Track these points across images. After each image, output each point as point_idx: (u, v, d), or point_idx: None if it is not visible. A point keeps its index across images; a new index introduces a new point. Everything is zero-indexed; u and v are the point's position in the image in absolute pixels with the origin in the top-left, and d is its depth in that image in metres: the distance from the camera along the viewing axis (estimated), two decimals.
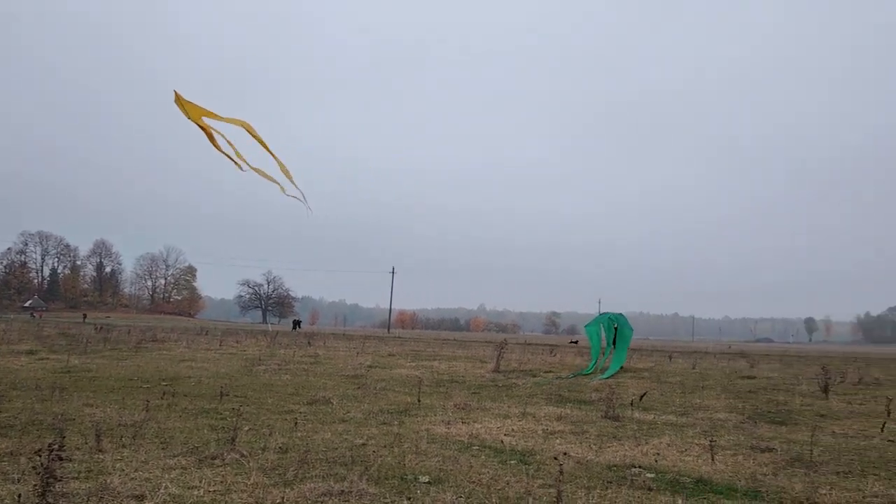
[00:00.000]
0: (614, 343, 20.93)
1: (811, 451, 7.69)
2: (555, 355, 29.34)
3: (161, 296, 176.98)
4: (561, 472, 4.22)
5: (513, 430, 8.70)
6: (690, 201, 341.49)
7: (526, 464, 6.52)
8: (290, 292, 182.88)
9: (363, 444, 7.20)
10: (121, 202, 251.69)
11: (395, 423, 8.86)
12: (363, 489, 5.16)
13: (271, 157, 6.13)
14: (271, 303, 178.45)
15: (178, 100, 5.58)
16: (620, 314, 22.01)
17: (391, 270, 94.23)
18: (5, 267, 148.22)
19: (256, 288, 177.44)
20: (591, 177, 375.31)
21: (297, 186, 6.36)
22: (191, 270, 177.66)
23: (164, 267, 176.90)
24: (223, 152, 5.87)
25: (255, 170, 6.13)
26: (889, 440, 8.83)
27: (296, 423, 8.31)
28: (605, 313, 23.08)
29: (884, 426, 9.67)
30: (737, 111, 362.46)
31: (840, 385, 16.97)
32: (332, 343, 36.23)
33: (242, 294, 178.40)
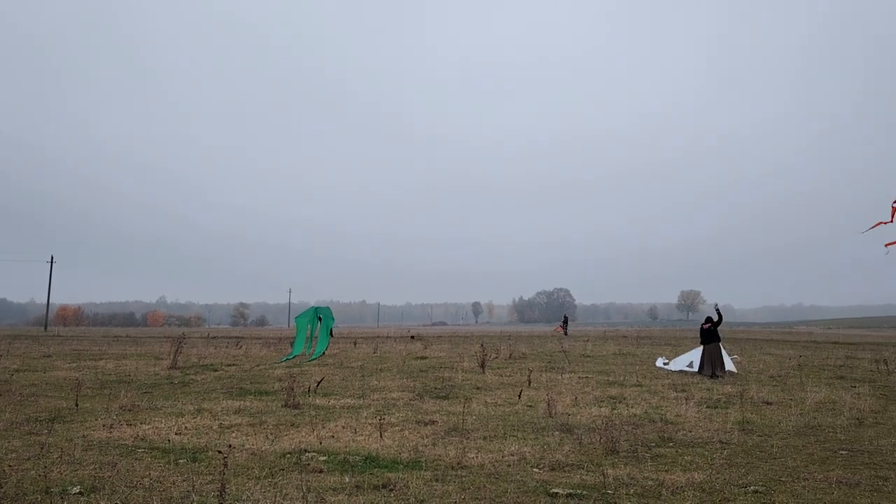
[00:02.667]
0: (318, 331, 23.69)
1: (465, 420, 8.69)
2: (240, 347, 28.59)
3: None
4: (225, 465, 4.15)
5: (186, 427, 8.29)
6: (372, 201, 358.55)
7: (196, 461, 6.27)
8: None
9: None
10: None
11: (45, 431, 7.82)
12: None
13: None
14: None
15: None
16: (327, 307, 24.67)
17: (49, 260, 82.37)
18: None
19: None
20: (281, 167, 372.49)
21: None
22: None
23: None
24: None
25: None
26: (528, 405, 10.34)
27: None
28: (313, 306, 24.84)
29: (521, 394, 11.30)
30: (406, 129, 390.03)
31: (495, 360, 19.38)
32: None
33: None
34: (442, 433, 7.96)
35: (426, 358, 21.14)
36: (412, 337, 30.74)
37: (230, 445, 5.73)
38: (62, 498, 4.90)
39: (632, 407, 10.32)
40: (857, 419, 9.18)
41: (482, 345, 19.61)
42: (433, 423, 8.67)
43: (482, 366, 16.39)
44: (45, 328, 78.38)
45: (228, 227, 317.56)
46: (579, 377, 14.89)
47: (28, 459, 6.25)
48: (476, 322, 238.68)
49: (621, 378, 14.77)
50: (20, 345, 31.50)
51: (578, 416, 9.29)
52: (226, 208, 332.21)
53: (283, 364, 18.80)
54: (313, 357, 21.35)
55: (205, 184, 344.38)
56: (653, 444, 7.41)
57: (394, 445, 7.20)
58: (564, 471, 6.14)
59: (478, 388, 12.74)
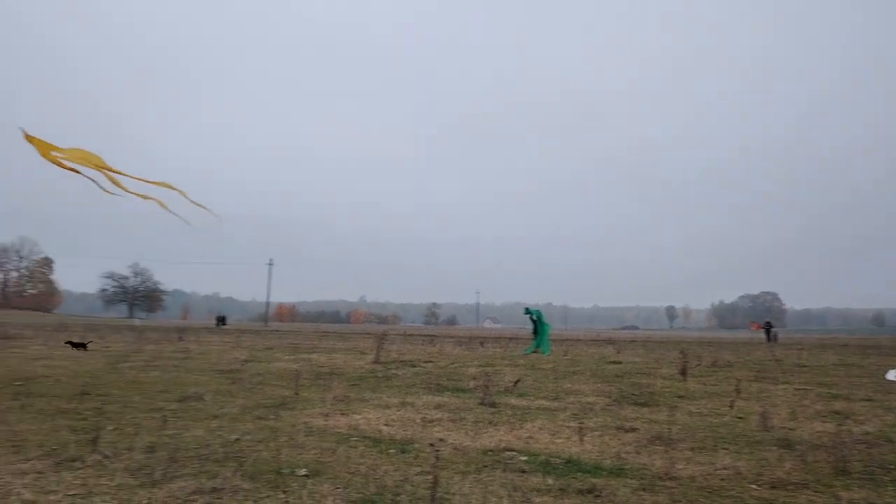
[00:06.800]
0: (536, 330, 26.46)
1: (669, 429, 8.27)
2: (435, 345, 29.75)
3: (13, 290, 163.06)
4: (437, 459, 4.29)
5: (392, 419, 8.72)
6: (566, 204, 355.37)
7: (404, 452, 6.57)
8: (160, 285, 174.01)
9: (237, 440, 6.97)
10: None
11: (272, 417, 8.65)
12: (237, 485, 5.01)
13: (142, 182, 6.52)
14: (139, 296, 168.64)
15: (28, 139, 5.63)
16: (538, 310, 27.12)
17: (269, 262, 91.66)
18: None
19: (122, 281, 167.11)
20: (468, 174, 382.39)
21: (192, 201, 6.84)
22: (47, 262, 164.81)
23: (17, 258, 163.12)
24: (87, 176, 6.15)
25: (132, 192, 6.43)
26: (738, 417, 9.61)
27: (165, 421, 7.92)
28: (530, 308, 27.44)
29: (733, 404, 10.54)
30: (612, 126, 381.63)
31: (697, 368, 18.33)
32: (206, 337, 34.83)
33: (106, 287, 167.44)
34: (645, 441, 7.63)
35: (620, 363, 20.53)
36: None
37: (441, 439, 5.93)
38: (291, 478, 5.36)
39: (863, 424, 9.21)
40: None
41: (682, 351, 18.62)
42: (634, 430, 8.34)
43: (683, 373, 15.55)
44: (266, 323, 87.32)
45: (421, 233, 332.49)
46: (795, 388, 13.60)
47: (260, 441, 6.93)
48: (671, 327, 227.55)
49: (846, 391, 13.26)
50: (246, 338, 35.31)
51: (798, 431, 8.46)
52: (417, 215, 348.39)
53: (477, 363, 19.19)
54: (546, 353, 24.88)
55: (398, 197, 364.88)
56: (892, 467, 6.53)
57: (594, 450, 7.02)
58: (787, 489, 5.60)
59: (680, 397, 12.10)
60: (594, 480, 5.65)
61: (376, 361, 18.31)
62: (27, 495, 4.69)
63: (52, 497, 4.68)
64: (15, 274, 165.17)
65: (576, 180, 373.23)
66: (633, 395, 12.17)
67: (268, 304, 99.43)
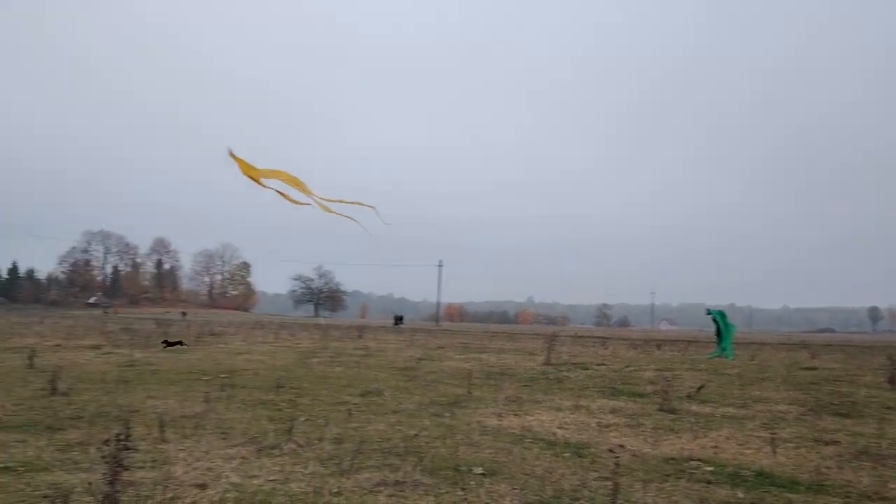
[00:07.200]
0: (719, 332, 25.12)
1: (878, 443, 7.42)
2: (607, 348, 29.01)
3: (218, 291, 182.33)
4: (617, 465, 4.16)
5: (566, 422, 8.62)
6: (747, 196, 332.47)
7: (580, 456, 6.46)
8: (341, 286, 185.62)
9: (416, 436, 7.24)
10: (178, 200, 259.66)
11: (447, 414, 8.89)
12: (418, 479, 5.20)
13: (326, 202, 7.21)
14: (323, 297, 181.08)
15: (232, 157, 6.35)
16: (721, 311, 26.01)
17: (439, 264, 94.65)
18: (70, 265, 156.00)
19: (308, 282, 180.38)
20: (639, 171, 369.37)
21: (378, 215, 7.49)
22: (245, 266, 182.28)
23: (221, 263, 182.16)
24: (280, 192, 6.89)
25: (330, 210, 7.13)
26: None
27: (350, 414, 8.43)
28: (712, 310, 26.31)
29: None
30: (790, 108, 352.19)
31: None
32: (383, 336, 36.64)
33: (295, 289, 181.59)
34: (849, 456, 6.90)
35: (816, 369, 18.77)
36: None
37: (621, 445, 5.76)
38: (469, 476, 5.47)
39: None
40: None
41: (890, 357, 16.64)
42: (835, 443, 7.58)
43: (892, 381, 13.89)
44: (437, 323, 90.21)
45: (591, 232, 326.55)
46: None
47: (437, 438, 7.15)
48: (873, 330, 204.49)
49: None
50: (419, 337, 36.65)
51: None
52: (585, 215, 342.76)
53: (654, 367, 18.45)
54: (730, 357, 23.27)
55: (565, 197, 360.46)
56: None
57: (789, 463, 6.47)
58: None
59: (888, 408, 10.82)
60: (790, 496, 5.21)
61: (547, 363, 18.19)
62: (234, 478, 5.19)
63: (255, 481, 5.14)
64: (219, 277, 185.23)
65: (755, 168, 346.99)
66: (833, 404, 11.07)
67: (438, 304, 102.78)
